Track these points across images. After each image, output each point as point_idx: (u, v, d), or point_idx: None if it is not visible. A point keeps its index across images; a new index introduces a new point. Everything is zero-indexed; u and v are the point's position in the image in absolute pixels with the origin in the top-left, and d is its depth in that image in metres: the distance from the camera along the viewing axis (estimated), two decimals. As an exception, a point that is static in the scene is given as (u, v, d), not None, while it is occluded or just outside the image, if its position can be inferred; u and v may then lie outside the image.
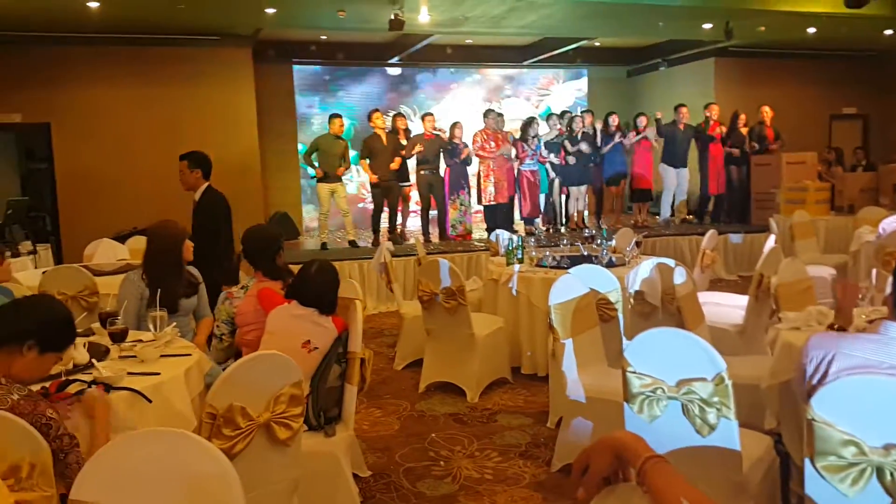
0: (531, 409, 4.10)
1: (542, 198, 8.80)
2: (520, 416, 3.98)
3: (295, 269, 2.91)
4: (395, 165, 7.90)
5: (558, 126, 8.80)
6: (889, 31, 9.53)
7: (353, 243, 7.99)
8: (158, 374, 2.36)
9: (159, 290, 3.05)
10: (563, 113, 9.22)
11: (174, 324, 2.84)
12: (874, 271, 4.39)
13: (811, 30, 9.14)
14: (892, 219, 5.14)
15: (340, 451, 2.57)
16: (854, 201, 8.39)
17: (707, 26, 8.86)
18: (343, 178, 7.97)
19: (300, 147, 10.49)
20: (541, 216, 8.81)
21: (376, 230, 8.14)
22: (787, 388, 2.67)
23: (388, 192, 8.00)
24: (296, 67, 10.56)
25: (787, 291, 3.32)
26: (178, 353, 2.60)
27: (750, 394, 2.90)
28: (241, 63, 8.79)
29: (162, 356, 2.55)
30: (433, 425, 3.87)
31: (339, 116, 7.97)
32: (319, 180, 7.81)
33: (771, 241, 4.85)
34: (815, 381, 1.87)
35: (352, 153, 8.26)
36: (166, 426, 1.80)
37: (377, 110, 8.10)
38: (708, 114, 9.01)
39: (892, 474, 1.61)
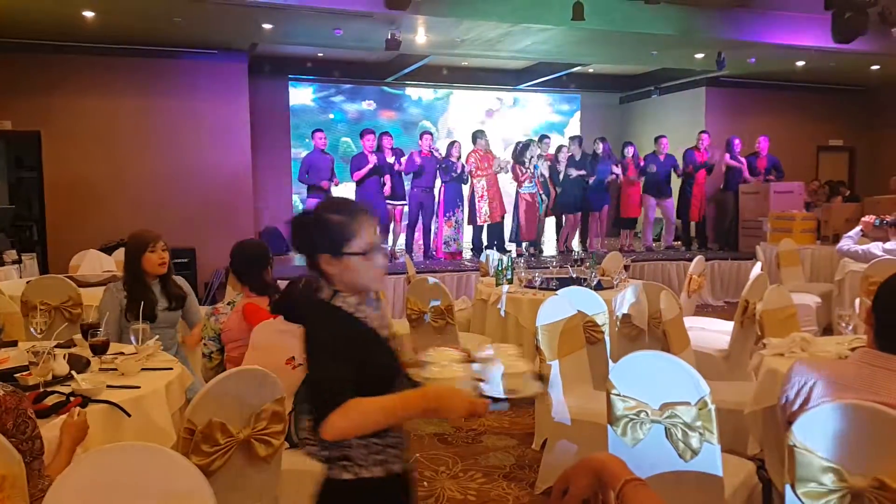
0: (517, 430, 4.07)
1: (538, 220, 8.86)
2: (505, 438, 3.95)
3: (283, 284, 2.89)
4: (386, 186, 7.95)
5: (555, 151, 8.88)
6: (876, 67, 9.72)
7: None
8: (139, 387, 2.34)
9: (138, 300, 3.04)
10: (543, 137, 9.28)
11: (156, 337, 2.82)
12: (857, 300, 4.42)
13: (800, 63, 9.30)
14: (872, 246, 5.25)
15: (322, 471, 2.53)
16: (839, 231, 8.47)
17: (699, 56, 9.00)
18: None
19: (293, 162, 10.52)
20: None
21: None
22: (770, 413, 2.67)
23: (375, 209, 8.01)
24: (291, 83, 10.61)
25: (771, 318, 3.34)
26: (159, 367, 2.57)
27: (733, 419, 2.90)
28: (237, 77, 8.82)
29: (143, 369, 2.52)
30: (418, 445, 3.84)
31: (321, 130, 8.03)
32: (309, 196, 7.86)
33: (757, 269, 4.89)
34: (796, 406, 1.87)
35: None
36: (145, 441, 1.77)
37: (370, 130, 8.16)
38: (699, 142, 9.18)
39: (870, 501, 1.61)
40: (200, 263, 7.95)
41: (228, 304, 3.04)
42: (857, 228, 5.45)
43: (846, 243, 5.32)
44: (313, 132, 8.15)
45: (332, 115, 10.95)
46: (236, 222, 8.44)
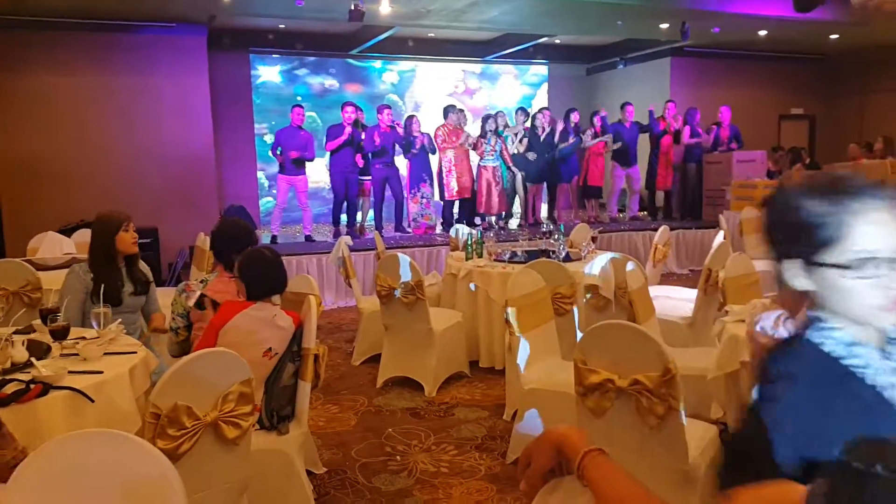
0: (488, 402, 4.12)
1: (506, 193, 8.87)
2: (477, 410, 3.99)
3: None
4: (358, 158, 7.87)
5: (523, 123, 8.85)
6: (835, 36, 9.86)
7: (308, 238, 7.91)
8: (101, 372, 2.29)
9: (107, 283, 2.98)
10: (522, 108, 9.27)
11: (119, 320, 2.77)
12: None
13: (762, 32, 9.38)
14: None
15: (293, 449, 2.53)
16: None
17: (664, 26, 9.02)
18: (305, 172, 7.89)
19: (258, 138, 10.34)
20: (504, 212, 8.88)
21: (336, 223, 8.09)
22: (732, 378, 2.74)
23: (349, 183, 7.94)
24: (253, 56, 10.37)
25: (733, 285, 3.41)
26: (122, 351, 2.53)
27: (698, 385, 2.97)
28: (196, 51, 8.58)
29: (106, 354, 2.47)
30: (390, 420, 3.86)
31: (300, 106, 7.89)
32: (280, 171, 7.75)
33: (720, 237, 4.97)
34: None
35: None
36: (110, 427, 1.74)
37: (351, 103, 8.03)
38: (661, 111, 9.25)
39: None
40: (164, 243, 7.80)
41: (201, 281, 2.98)
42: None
43: None
44: (293, 107, 7.97)
45: (295, 90, 10.74)
46: (199, 201, 8.29)
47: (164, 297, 3.44)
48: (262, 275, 2.53)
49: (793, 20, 8.12)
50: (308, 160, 7.85)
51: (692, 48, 10.46)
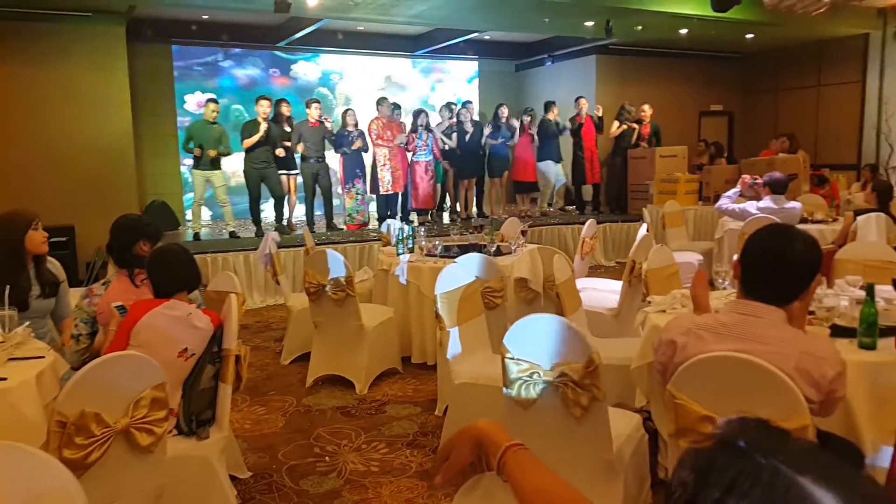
0: (420, 398, 4.10)
1: (438, 188, 8.87)
2: (409, 406, 3.97)
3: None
4: (279, 153, 7.66)
5: (450, 118, 8.86)
6: (750, 35, 10.31)
7: (233, 234, 7.68)
8: (5, 379, 2.15)
9: (11, 285, 2.79)
10: (449, 104, 9.29)
11: (26, 324, 2.60)
12: (735, 256, 4.73)
13: (683, 31, 9.71)
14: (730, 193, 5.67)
15: (213, 454, 2.44)
16: (719, 192, 9.01)
17: (589, 24, 9.20)
18: (221, 166, 7.65)
19: (180, 132, 9.97)
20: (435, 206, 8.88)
21: (257, 221, 7.86)
22: (655, 367, 2.81)
23: (265, 179, 7.71)
24: (175, 48, 9.99)
25: (655, 276, 3.50)
26: (29, 356, 2.38)
27: (623, 374, 3.03)
28: (114, 42, 8.18)
29: (10, 359, 2.32)
30: (320, 420, 3.79)
31: (214, 101, 7.64)
32: (194, 166, 7.49)
33: (643, 230, 5.11)
34: (675, 361, 1.96)
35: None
36: (15, 437, 1.62)
37: (265, 97, 7.83)
38: (578, 108, 9.46)
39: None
40: (81, 242, 7.42)
41: (104, 283, 2.84)
42: (735, 188, 5.81)
43: (724, 202, 5.67)
44: (206, 101, 7.71)
45: (220, 83, 10.42)
46: (119, 197, 7.91)
47: (77, 298, 3.25)
48: (168, 270, 2.43)
49: (711, 19, 8.43)
50: (225, 155, 7.62)
51: (617, 46, 10.73)
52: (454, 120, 8.85)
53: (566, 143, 9.65)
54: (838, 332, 2.47)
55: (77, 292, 3.47)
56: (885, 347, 2.30)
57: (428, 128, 8.54)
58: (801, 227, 5.19)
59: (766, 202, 5.45)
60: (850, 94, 10.74)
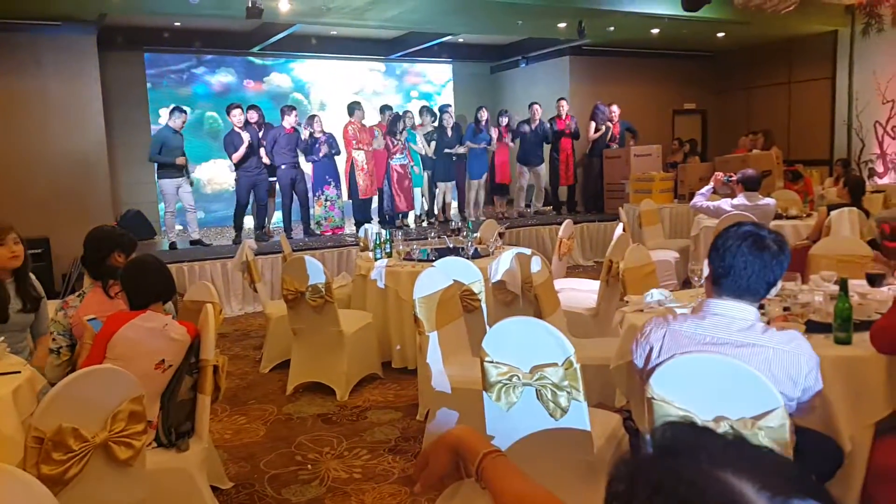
0: (401, 403, 4.10)
1: (416, 192, 8.87)
2: (390, 412, 3.97)
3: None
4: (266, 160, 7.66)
5: (433, 122, 8.89)
6: (721, 34, 10.45)
7: (199, 242, 7.62)
8: (-21, 395, 2.12)
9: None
10: (430, 108, 9.31)
11: (2, 338, 2.56)
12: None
13: (655, 30, 9.82)
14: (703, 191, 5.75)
15: (194, 466, 2.42)
16: (694, 189, 9.12)
17: (562, 25, 9.27)
18: (190, 173, 7.61)
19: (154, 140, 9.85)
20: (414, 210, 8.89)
21: (239, 227, 7.82)
22: (633, 366, 2.84)
23: (256, 186, 7.70)
24: (147, 55, 9.88)
25: (632, 276, 3.54)
26: (5, 371, 2.34)
27: (602, 374, 3.06)
28: (86, 50, 8.07)
29: (-16, 375, 2.28)
30: (301, 428, 3.77)
31: (183, 112, 7.58)
32: (160, 176, 7.44)
33: (619, 230, 5.15)
34: (653, 361, 1.99)
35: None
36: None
37: (236, 105, 7.78)
38: (558, 110, 9.55)
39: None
40: (56, 253, 7.31)
41: (79, 295, 2.81)
42: (709, 186, 5.88)
43: (698, 200, 5.74)
44: (172, 110, 7.65)
45: (194, 90, 10.32)
46: (93, 207, 7.81)
47: (53, 310, 3.20)
48: (142, 282, 2.41)
49: (683, 18, 8.54)
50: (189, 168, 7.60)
51: (590, 47, 10.81)
52: (435, 124, 8.87)
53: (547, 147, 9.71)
54: (813, 327, 2.50)
55: (53, 304, 3.42)
56: (861, 342, 2.31)
57: (406, 131, 8.56)
58: (775, 223, 5.27)
59: (741, 199, 5.53)
60: (820, 91, 10.93)
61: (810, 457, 2.03)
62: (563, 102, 9.61)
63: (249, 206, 7.90)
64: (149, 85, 9.92)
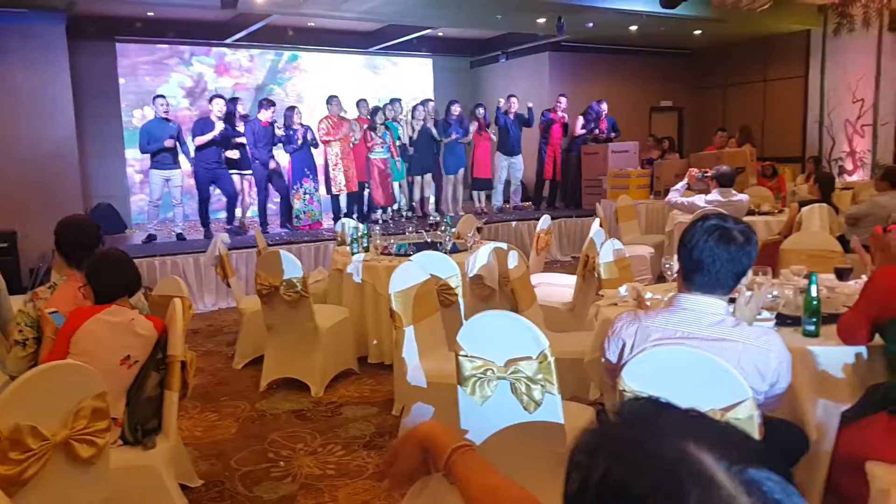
0: (377, 398, 4.07)
1: (396, 186, 8.83)
2: (365, 407, 3.93)
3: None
4: (233, 154, 7.52)
5: (422, 118, 8.86)
6: (698, 32, 10.53)
7: (180, 236, 7.50)
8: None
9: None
10: (394, 100, 9.26)
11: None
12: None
13: (633, 27, 9.86)
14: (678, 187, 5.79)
15: (161, 464, 2.36)
16: (670, 185, 9.19)
17: (541, 20, 9.27)
18: (179, 165, 7.46)
19: (125, 132, 9.68)
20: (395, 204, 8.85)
21: (205, 223, 7.69)
22: (606, 362, 2.84)
23: (217, 180, 7.57)
24: (119, 46, 9.69)
25: (608, 270, 3.54)
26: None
27: (577, 367, 3.06)
28: (54, 40, 7.88)
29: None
30: (274, 425, 3.72)
31: (162, 97, 7.45)
32: (152, 167, 7.29)
33: (595, 225, 5.17)
34: (626, 356, 1.98)
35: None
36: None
37: (219, 95, 7.67)
38: (556, 105, 9.60)
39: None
40: (24, 248, 7.14)
41: (49, 287, 2.73)
42: (683, 182, 5.92)
43: (673, 196, 5.78)
44: (154, 98, 7.52)
45: (167, 79, 10.15)
46: (62, 200, 7.62)
47: (19, 305, 3.11)
48: (108, 275, 2.34)
49: (661, 15, 8.58)
50: (184, 151, 7.45)
51: (569, 43, 10.83)
52: (422, 121, 8.82)
53: (530, 138, 9.69)
54: (783, 320, 2.54)
55: (20, 299, 3.32)
56: (828, 334, 2.37)
57: (386, 124, 8.50)
58: (748, 218, 5.32)
59: (714, 195, 5.57)
60: (793, 89, 11.07)
61: (777, 442, 2.05)
62: (563, 99, 9.62)
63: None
64: (120, 77, 9.73)
